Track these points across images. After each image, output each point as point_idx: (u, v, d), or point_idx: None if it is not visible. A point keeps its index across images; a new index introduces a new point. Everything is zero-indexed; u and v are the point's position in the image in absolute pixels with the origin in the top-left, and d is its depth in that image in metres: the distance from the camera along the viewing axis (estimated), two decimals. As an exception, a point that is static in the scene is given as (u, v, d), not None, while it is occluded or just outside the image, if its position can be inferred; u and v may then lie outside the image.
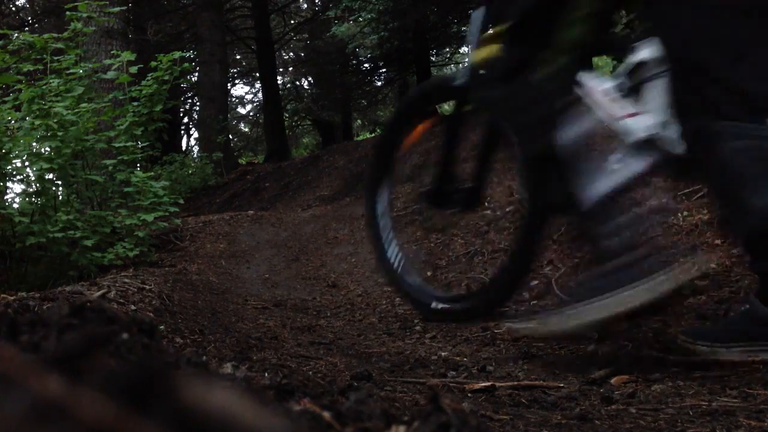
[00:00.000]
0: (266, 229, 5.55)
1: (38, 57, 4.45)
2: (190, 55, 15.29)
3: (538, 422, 1.44)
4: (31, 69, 4.44)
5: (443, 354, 2.23)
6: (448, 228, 3.63)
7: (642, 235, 2.06)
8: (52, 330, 0.49)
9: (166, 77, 5.01)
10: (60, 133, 4.08)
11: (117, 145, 4.60)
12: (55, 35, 4.57)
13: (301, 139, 23.57)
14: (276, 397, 0.63)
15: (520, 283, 2.59)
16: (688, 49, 1.71)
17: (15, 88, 4.44)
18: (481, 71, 2.31)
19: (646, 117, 1.96)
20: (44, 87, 4.30)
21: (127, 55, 4.88)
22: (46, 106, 4.11)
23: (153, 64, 5.08)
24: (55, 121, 4.05)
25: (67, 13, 4.78)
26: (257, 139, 22.02)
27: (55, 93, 4.30)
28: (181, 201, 4.91)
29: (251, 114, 23.70)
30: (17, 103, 4.29)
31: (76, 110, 4.26)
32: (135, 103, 4.96)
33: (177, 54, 5.09)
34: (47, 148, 4.16)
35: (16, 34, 4.60)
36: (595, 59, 3.02)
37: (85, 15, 4.86)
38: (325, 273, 4.13)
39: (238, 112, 23.91)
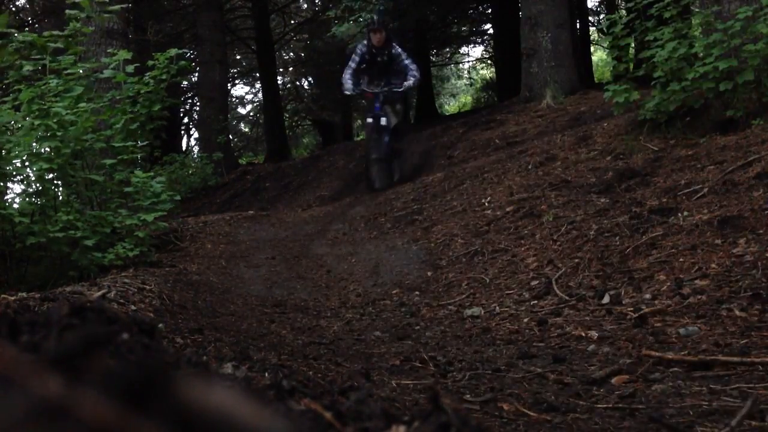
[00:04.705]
0: (266, 229, 5.55)
1: (38, 57, 4.44)
2: (189, 54, 15.29)
3: (539, 422, 1.44)
4: (31, 69, 4.43)
5: (443, 354, 2.23)
6: None
7: None
8: (52, 330, 0.49)
9: (164, 76, 5.00)
10: (59, 133, 4.08)
11: (116, 144, 4.59)
12: (54, 32, 4.56)
13: (301, 139, 23.57)
14: (276, 397, 0.63)
15: None
16: None
17: (14, 88, 4.43)
18: None
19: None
20: (43, 87, 4.29)
21: (123, 54, 4.87)
22: (45, 106, 4.11)
23: (150, 63, 5.07)
24: (55, 121, 4.05)
25: (67, 11, 4.77)
26: (257, 139, 22.01)
27: (54, 93, 4.29)
28: (178, 197, 4.89)
29: (251, 114, 23.69)
30: (17, 103, 4.28)
31: (75, 110, 4.25)
32: (134, 103, 4.96)
33: (173, 51, 5.08)
34: (47, 149, 4.16)
35: (15, 32, 4.58)
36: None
37: (84, 16, 4.85)
38: (325, 273, 4.13)
39: (238, 112, 23.90)
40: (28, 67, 4.39)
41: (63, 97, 4.28)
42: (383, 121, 6.65)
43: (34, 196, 4.23)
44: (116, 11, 5.04)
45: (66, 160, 4.16)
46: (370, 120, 6.81)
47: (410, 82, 6.70)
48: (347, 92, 6.99)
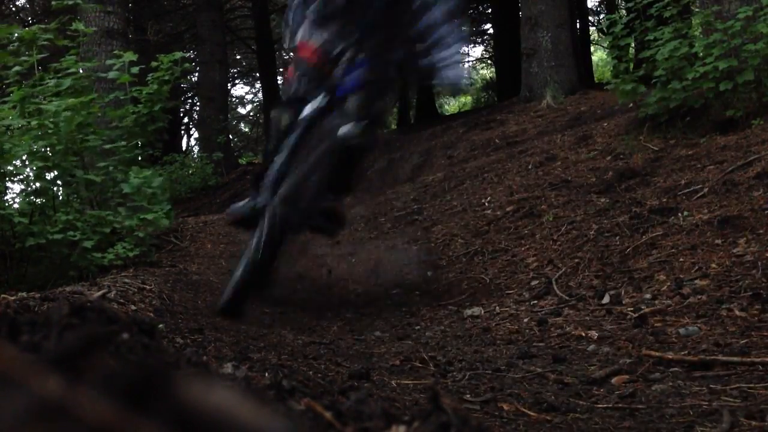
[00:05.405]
0: (266, 229, 5.53)
1: (27, 59, 4.42)
2: (190, 55, 15.29)
3: (539, 422, 1.44)
4: (20, 69, 4.41)
5: (443, 354, 2.23)
6: None
7: None
8: (53, 330, 0.49)
9: (167, 78, 5.00)
10: (51, 130, 4.07)
11: (108, 147, 4.56)
12: (42, 26, 4.57)
13: (301, 139, 23.53)
14: (276, 397, 0.63)
15: None
16: None
17: (10, 89, 4.42)
18: None
19: None
20: (37, 89, 4.29)
21: (130, 56, 4.87)
22: (41, 105, 4.11)
23: (154, 64, 5.08)
24: (51, 120, 4.04)
25: (53, 1, 4.80)
26: (257, 139, 22.01)
27: (52, 93, 4.29)
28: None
29: (251, 114, 23.70)
30: (13, 103, 4.28)
31: (65, 105, 4.23)
32: (139, 106, 4.97)
33: (178, 54, 5.08)
34: (45, 148, 4.15)
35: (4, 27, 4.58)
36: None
37: (71, 3, 4.88)
38: (325, 273, 4.13)
39: (238, 112, 23.90)
40: (17, 68, 4.39)
41: (60, 96, 4.28)
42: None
43: (32, 195, 4.23)
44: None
45: (63, 157, 4.15)
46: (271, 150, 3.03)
47: (456, 73, 2.94)
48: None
